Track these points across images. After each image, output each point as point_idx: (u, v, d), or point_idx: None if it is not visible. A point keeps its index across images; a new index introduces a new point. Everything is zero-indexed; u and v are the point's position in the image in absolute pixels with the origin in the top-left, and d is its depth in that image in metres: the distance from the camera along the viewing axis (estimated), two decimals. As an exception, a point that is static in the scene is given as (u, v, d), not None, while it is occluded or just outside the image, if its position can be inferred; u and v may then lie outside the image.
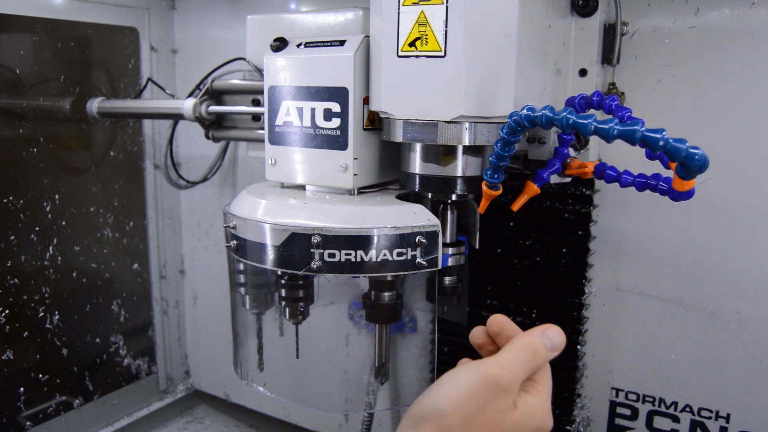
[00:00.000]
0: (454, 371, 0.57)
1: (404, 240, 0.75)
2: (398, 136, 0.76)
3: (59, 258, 1.27)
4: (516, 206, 0.80)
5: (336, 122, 0.81)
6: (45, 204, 1.24)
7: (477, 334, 0.65)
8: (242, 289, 1.00)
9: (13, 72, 1.18)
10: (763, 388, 0.90)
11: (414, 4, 0.71)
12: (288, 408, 1.44)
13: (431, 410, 0.54)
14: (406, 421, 0.56)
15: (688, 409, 0.96)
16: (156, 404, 1.53)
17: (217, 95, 1.13)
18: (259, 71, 0.96)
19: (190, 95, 1.15)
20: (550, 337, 0.59)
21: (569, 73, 0.85)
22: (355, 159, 0.81)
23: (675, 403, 0.97)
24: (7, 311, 1.19)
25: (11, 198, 1.18)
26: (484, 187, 0.74)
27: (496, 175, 0.72)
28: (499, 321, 0.63)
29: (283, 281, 0.94)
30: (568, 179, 0.88)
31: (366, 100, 0.81)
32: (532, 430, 0.55)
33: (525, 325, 0.62)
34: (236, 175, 1.40)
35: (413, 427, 0.54)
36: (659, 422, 0.99)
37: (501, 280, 1.02)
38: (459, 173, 0.78)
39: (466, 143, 0.74)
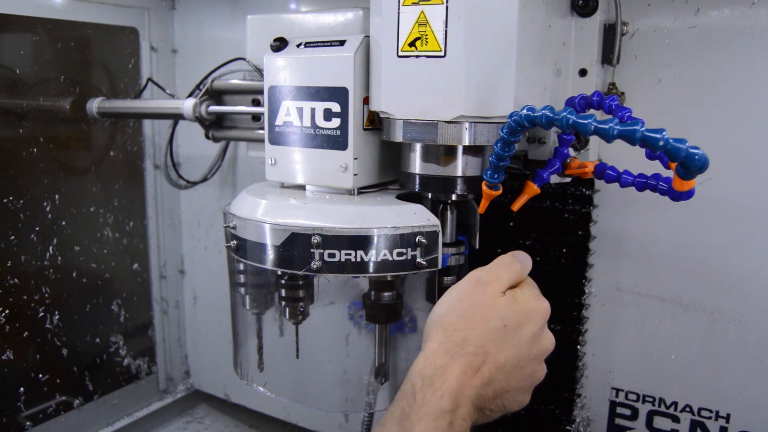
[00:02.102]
0: (452, 286, 0.67)
1: (404, 240, 0.75)
2: (398, 136, 0.76)
3: (59, 258, 1.27)
4: (516, 206, 0.80)
5: (336, 122, 0.81)
6: (45, 204, 1.24)
7: None
8: (242, 289, 1.00)
9: (13, 72, 1.18)
10: (763, 388, 0.90)
11: (414, 4, 0.71)
12: (288, 408, 1.44)
13: (434, 318, 0.64)
14: (423, 342, 0.64)
15: (688, 409, 0.96)
16: (156, 404, 1.53)
17: (217, 95, 1.13)
18: (259, 71, 0.96)
19: (190, 95, 1.15)
20: (519, 256, 0.70)
21: (569, 73, 0.85)
22: (355, 159, 0.81)
23: (675, 403, 0.97)
24: (7, 311, 1.19)
25: (11, 198, 1.18)
26: (484, 187, 0.74)
27: (496, 175, 0.72)
28: None
29: (283, 281, 0.94)
30: (568, 179, 0.88)
31: (366, 100, 0.81)
32: (526, 311, 0.63)
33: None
34: (236, 175, 1.40)
35: (427, 342, 0.63)
36: (659, 422, 0.99)
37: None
38: (459, 173, 0.78)
39: (466, 143, 0.74)
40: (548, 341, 0.66)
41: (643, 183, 0.72)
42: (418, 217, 0.77)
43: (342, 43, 0.80)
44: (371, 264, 0.75)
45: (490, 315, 0.61)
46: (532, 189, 0.79)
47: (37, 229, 1.23)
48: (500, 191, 0.75)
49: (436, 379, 0.57)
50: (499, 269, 0.66)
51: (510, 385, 0.61)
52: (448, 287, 0.90)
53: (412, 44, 0.72)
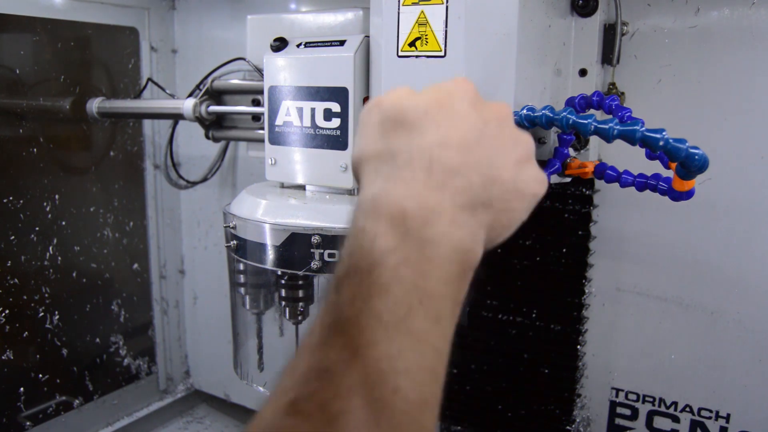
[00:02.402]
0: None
1: (404, 240, 0.75)
2: (398, 136, 0.76)
3: (59, 258, 1.27)
4: (516, 206, 0.79)
5: (336, 122, 0.81)
6: (45, 204, 1.24)
7: None
8: (242, 289, 1.00)
9: (13, 72, 1.18)
10: (763, 388, 0.90)
11: (414, 4, 0.71)
12: (288, 408, 1.44)
13: (354, 161, 0.50)
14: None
15: (688, 409, 0.96)
16: (156, 404, 1.53)
17: (217, 95, 1.12)
18: (259, 71, 0.96)
19: (190, 95, 1.15)
20: None
21: (569, 73, 0.84)
22: (355, 159, 0.81)
23: (675, 403, 0.97)
24: (7, 311, 1.19)
25: (11, 198, 1.18)
26: (484, 187, 0.74)
27: (496, 175, 0.72)
28: None
29: (283, 281, 0.94)
30: (568, 179, 0.88)
31: (366, 100, 0.81)
32: (443, 90, 0.50)
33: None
34: (236, 175, 1.40)
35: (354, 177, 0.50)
36: (659, 422, 0.99)
37: (501, 280, 1.02)
38: (459, 173, 0.78)
39: (466, 143, 0.74)
40: (496, 105, 0.52)
41: (643, 183, 0.72)
42: (418, 217, 0.77)
43: (342, 43, 0.80)
44: (371, 264, 0.75)
45: (405, 112, 0.47)
46: (532, 189, 0.79)
47: (37, 229, 1.23)
48: (500, 191, 0.75)
49: (367, 222, 0.42)
50: (386, 92, 0.52)
51: (497, 160, 0.48)
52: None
53: (412, 44, 0.72)
